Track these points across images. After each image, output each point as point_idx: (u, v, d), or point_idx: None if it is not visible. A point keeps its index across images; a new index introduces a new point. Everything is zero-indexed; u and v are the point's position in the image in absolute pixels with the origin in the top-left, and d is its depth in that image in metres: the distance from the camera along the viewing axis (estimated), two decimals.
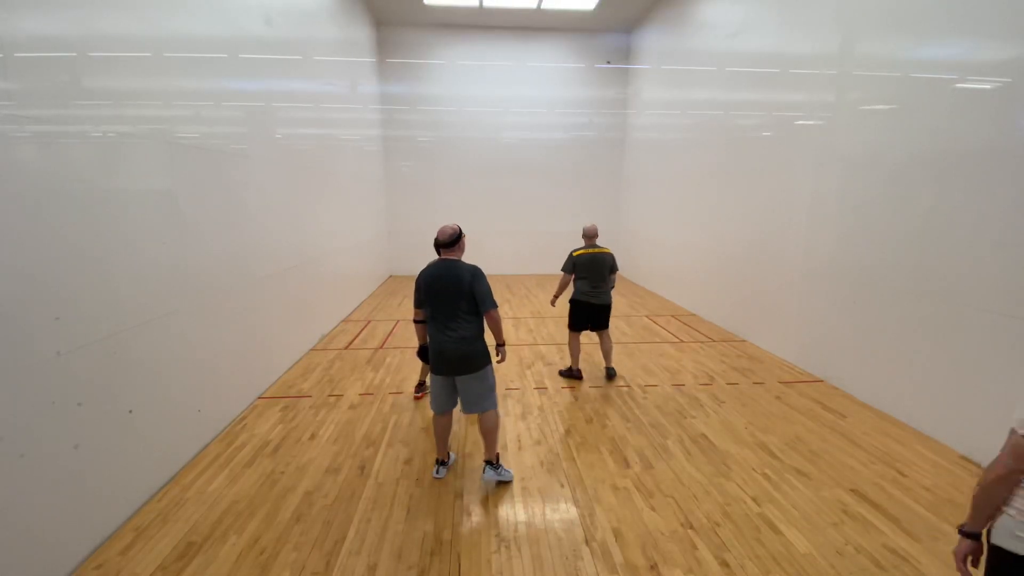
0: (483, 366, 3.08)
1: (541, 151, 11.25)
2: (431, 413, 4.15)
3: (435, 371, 3.13)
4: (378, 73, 10.27)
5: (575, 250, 4.85)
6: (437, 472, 3.27)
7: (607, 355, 5.04)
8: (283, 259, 5.16)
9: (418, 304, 3.21)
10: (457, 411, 3.32)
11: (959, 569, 1.49)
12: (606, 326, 4.98)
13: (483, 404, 3.13)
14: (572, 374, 5.03)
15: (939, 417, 3.81)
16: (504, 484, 3.20)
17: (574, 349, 5.01)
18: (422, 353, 3.53)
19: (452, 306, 2.99)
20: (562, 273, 4.91)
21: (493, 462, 3.19)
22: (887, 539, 2.70)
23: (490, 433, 3.16)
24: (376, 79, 10.16)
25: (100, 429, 2.62)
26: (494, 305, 3.04)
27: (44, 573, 2.30)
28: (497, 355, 3.23)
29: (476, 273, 3.02)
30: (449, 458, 3.37)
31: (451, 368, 3.06)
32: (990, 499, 1.39)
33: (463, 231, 3.15)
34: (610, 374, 4.99)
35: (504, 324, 6.32)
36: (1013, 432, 1.36)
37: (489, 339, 3.17)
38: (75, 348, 2.45)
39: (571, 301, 4.96)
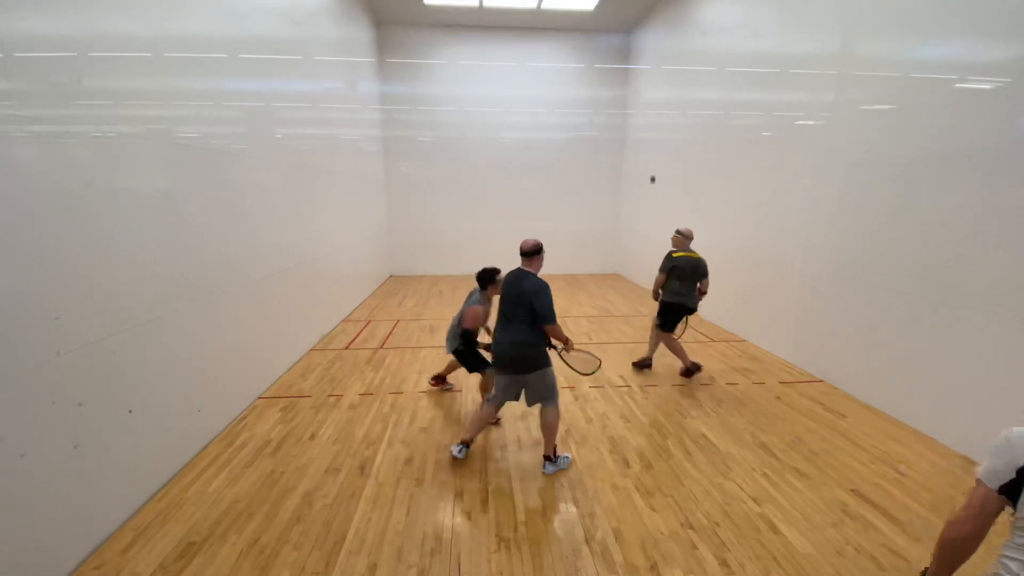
0: (538, 368, 3.26)
1: (541, 151, 11.24)
2: (431, 412, 4.18)
3: (495, 367, 3.41)
4: (378, 73, 10.27)
5: (673, 251, 4.91)
6: (459, 452, 3.37)
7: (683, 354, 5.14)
8: (283, 259, 5.15)
9: None
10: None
11: None
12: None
13: (543, 401, 3.33)
14: (691, 371, 5.00)
15: (939, 417, 3.81)
16: (505, 483, 3.20)
17: (676, 348, 5.01)
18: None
19: (512, 312, 3.24)
20: (659, 273, 4.95)
21: (551, 456, 3.37)
22: (887, 539, 2.70)
23: (548, 429, 3.34)
24: (376, 79, 10.16)
25: (100, 429, 2.62)
26: (552, 321, 3.18)
27: (44, 573, 2.30)
28: (565, 348, 3.38)
29: (540, 289, 3.18)
30: (472, 443, 3.47)
31: (505, 367, 3.32)
32: (956, 556, 1.37)
33: (543, 247, 3.39)
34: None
35: None
36: (978, 483, 1.34)
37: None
38: (75, 348, 2.45)
39: (665, 303, 4.95)
